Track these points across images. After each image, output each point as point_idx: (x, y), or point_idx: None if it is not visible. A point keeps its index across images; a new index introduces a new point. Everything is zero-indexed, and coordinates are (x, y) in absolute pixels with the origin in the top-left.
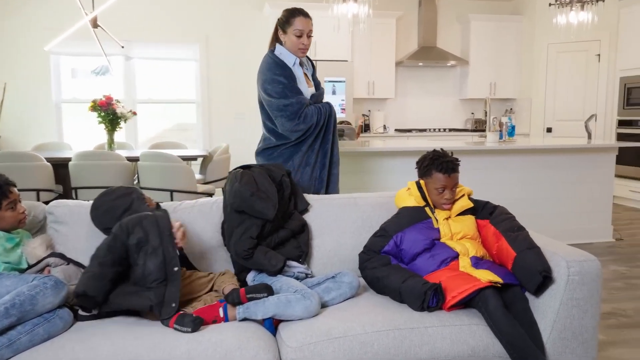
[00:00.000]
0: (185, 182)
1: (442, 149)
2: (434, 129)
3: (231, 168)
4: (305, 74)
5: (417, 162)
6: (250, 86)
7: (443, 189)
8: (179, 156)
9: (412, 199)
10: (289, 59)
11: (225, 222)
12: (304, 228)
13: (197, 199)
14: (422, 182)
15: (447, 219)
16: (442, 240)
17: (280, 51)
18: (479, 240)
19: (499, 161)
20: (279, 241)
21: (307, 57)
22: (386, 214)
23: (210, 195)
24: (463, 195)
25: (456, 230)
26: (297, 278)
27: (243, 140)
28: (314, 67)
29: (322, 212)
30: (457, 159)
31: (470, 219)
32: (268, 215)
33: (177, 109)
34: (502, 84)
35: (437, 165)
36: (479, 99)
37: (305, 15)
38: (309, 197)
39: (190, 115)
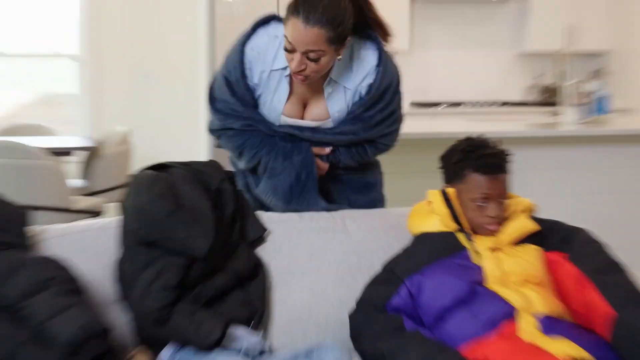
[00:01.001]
0: (53, 193)
1: (482, 135)
2: (475, 103)
3: (134, 169)
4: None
5: (442, 158)
6: (164, 29)
7: (485, 199)
8: (43, 148)
9: (436, 220)
10: (268, 55)
11: (123, 260)
12: (257, 271)
13: (73, 220)
14: (450, 190)
15: (494, 250)
16: (487, 285)
17: (262, 40)
18: (551, 286)
19: (582, 156)
20: (216, 293)
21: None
22: (394, 244)
23: (96, 214)
24: (520, 212)
25: (511, 270)
26: (245, 355)
27: (153, 120)
28: (377, 98)
29: (287, 242)
30: (506, 152)
31: (533, 251)
32: (197, 250)
33: (43, 71)
34: (586, 30)
35: (474, 162)
36: (548, 54)
37: (308, 19)
38: (266, 217)
39: (65, 80)
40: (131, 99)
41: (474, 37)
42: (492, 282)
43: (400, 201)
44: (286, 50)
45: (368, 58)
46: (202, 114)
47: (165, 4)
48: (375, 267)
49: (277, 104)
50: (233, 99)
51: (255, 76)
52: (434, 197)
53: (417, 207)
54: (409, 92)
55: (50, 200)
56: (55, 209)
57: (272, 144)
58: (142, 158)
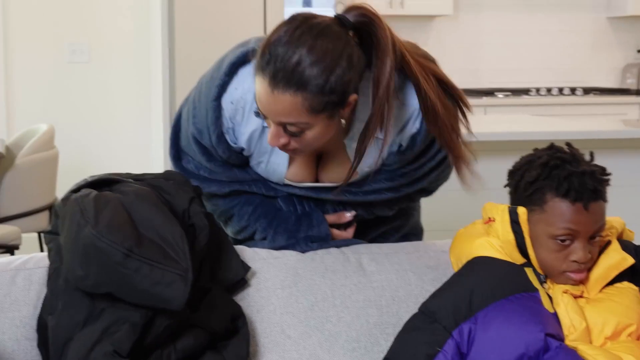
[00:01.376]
0: None
1: (569, 144)
2: (547, 90)
3: (65, 183)
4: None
5: (512, 174)
6: None
7: (571, 238)
8: None
9: (496, 244)
10: (250, 115)
11: (52, 314)
12: (236, 326)
13: None
14: (521, 211)
15: (578, 296)
16: (568, 342)
17: (247, 88)
18: None
19: None
20: (183, 358)
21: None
22: (430, 290)
23: (12, 250)
24: (609, 242)
25: (600, 320)
26: None
27: (87, 115)
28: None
29: (280, 289)
30: (604, 171)
31: (630, 292)
32: (173, 302)
33: None
34: None
35: (560, 183)
36: None
37: (275, 82)
38: (250, 254)
39: None
40: (54, 85)
41: None
42: (573, 339)
43: (439, 231)
44: (259, 115)
45: (408, 99)
46: (154, 104)
47: None
48: (403, 317)
49: (276, 167)
50: (210, 164)
51: (241, 137)
52: (499, 214)
53: (465, 230)
54: (453, 75)
55: None
56: None
57: (271, 213)
58: (72, 169)
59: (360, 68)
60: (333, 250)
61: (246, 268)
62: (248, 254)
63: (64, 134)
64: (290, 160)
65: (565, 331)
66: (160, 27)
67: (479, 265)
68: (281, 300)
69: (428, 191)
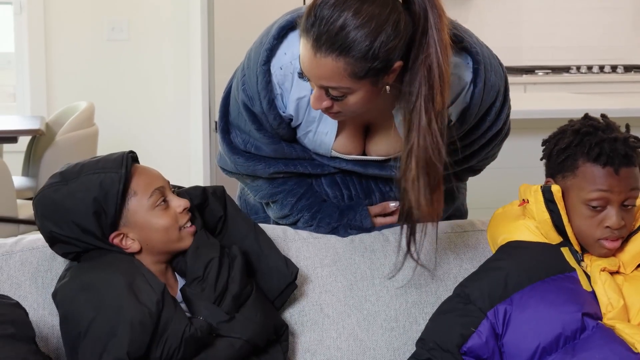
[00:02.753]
0: None
1: (604, 115)
2: (588, 68)
3: (101, 152)
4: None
5: (546, 143)
6: None
7: (603, 201)
8: None
9: (531, 226)
10: (298, 82)
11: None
12: (278, 337)
13: (19, 235)
14: (555, 189)
15: (614, 272)
16: (605, 321)
17: (297, 52)
18: None
19: None
20: None
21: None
22: (469, 270)
23: None
24: None
25: (636, 300)
26: None
27: (127, 93)
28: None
29: (320, 269)
30: (637, 139)
31: None
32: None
33: None
34: None
35: (591, 148)
36: None
37: (318, 45)
38: (286, 234)
39: None
40: (93, 62)
41: None
42: (610, 317)
43: (480, 209)
44: (302, 77)
45: (459, 71)
46: (193, 83)
47: None
48: (434, 304)
49: (324, 137)
50: (259, 134)
51: (290, 104)
52: (532, 194)
53: (503, 210)
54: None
55: None
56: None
57: (315, 206)
58: (111, 145)
59: (407, 35)
60: (373, 231)
61: (293, 270)
62: (290, 233)
63: (104, 111)
64: (338, 131)
65: (603, 309)
66: (200, 5)
67: (514, 249)
68: (321, 279)
69: (475, 170)
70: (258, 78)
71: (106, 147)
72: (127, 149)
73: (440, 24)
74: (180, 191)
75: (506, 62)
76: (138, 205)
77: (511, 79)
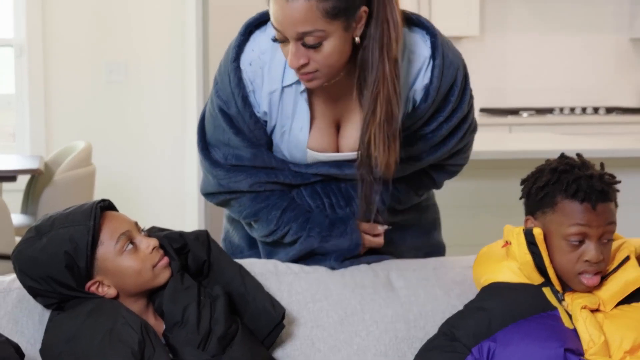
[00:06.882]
0: None
1: (579, 155)
2: (571, 109)
3: (97, 196)
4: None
5: (525, 182)
6: (138, 6)
7: (581, 236)
8: None
9: (514, 267)
10: (275, 66)
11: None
12: None
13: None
14: (537, 232)
15: (595, 310)
16: (587, 357)
17: (263, 48)
18: None
19: None
20: None
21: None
22: (457, 305)
23: None
24: (627, 258)
25: (617, 336)
26: None
27: (124, 133)
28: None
29: (311, 303)
30: (612, 176)
31: None
32: None
33: None
34: None
35: (569, 186)
36: None
37: None
38: (281, 267)
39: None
40: (92, 102)
41: (568, 17)
42: (592, 353)
43: (464, 247)
44: (276, 41)
45: (417, 48)
46: (188, 123)
47: None
48: (426, 336)
49: (298, 134)
50: (238, 139)
51: (263, 101)
52: (514, 237)
53: (487, 250)
54: (479, 94)
55: None
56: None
57: (301, 216)
58: (108, 185)
59: None
60: (363, 266)
61: (280, 311)
62: (281, 268)
63: (101, 151)
64: (311, 126)
65: (585, 346)
66: (195, 47)
67: (497, 290)
68: (312, 313)
69: (447, 172)
70: (230, 77)
71: (103, 186)
72: (123, 189)
73: None
74: (158, 235)
75: (492, 103)
76: (106, 252)
77: (497, 120)
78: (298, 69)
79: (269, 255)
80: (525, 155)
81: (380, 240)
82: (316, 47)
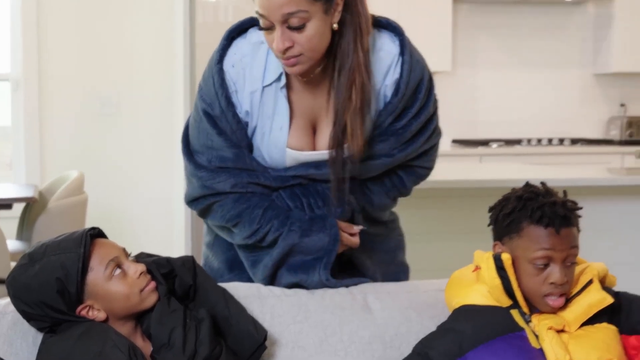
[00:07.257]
0: None
1: (543, 183)
2: (538, 140)
3: (94, 225)
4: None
5: (492, 210)
6: (129, 42)
7: (546, 259)
8: None
9: (484, 290)
10: (256, 68)
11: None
12: None
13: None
14: (505, 257)
15: (560, 331)
16: None
17: (244, 51)
18: None
19: None
20: None
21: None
22: (430, 327)
23: None
24: (591, 281)
25: (582, 355)
26: None
27: (115, 163)
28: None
29: (292, 325)
30: (574, 203)
31: (609, 331)
32: None
33: None
34: None
35: (534, 212)
36: (637, 75)
37: None
38: (263, 290)
39: None
40: (84, 134)
41: (535, 53)
42: None
43: (434, 271)
44: (263, 29)
45: (386, 46)
46: (179, 155)
47: (131, 11)
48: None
49: (278, 134)
50: (221, 139)
51: (244, 101)
52: (484, 262)
53: (459, 274)
54: (451, 126)
55: None
56: None
57: (282, 214)
58: (100, 213)
59: None
60: (341, 289)
61: (262, 333)
62: (263, 291)
63: (93, 180)
64: (290, 125)
65: None
66: (183, 81)
67: (468, 313)
68: (293, 334)
69: (415, 173)
70: (214, 78)
71: (95, 213)
72: (113, 216)
73: None
74: (146, 261)
75: (463, 135)
76: (96, 278)
77: (467, 150)
78: (283, 53)
79: (254, 264)
80: (495, 184)
81: (356, 240)
82: (300, 28)
